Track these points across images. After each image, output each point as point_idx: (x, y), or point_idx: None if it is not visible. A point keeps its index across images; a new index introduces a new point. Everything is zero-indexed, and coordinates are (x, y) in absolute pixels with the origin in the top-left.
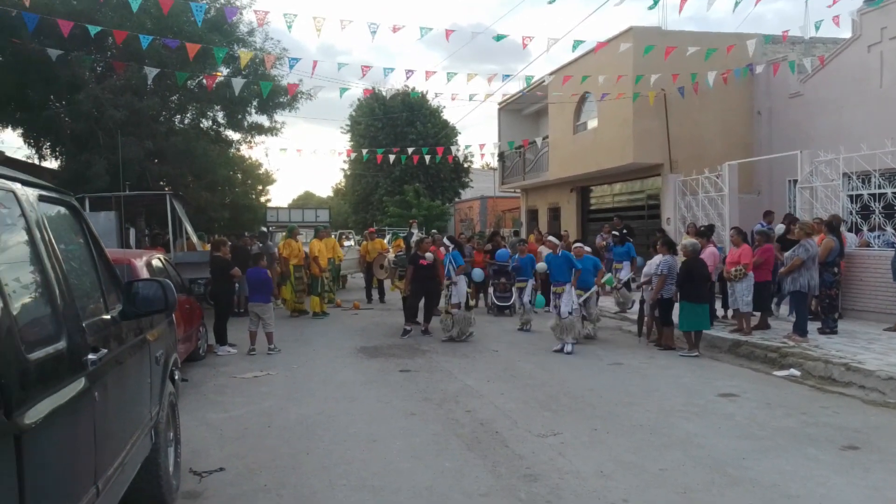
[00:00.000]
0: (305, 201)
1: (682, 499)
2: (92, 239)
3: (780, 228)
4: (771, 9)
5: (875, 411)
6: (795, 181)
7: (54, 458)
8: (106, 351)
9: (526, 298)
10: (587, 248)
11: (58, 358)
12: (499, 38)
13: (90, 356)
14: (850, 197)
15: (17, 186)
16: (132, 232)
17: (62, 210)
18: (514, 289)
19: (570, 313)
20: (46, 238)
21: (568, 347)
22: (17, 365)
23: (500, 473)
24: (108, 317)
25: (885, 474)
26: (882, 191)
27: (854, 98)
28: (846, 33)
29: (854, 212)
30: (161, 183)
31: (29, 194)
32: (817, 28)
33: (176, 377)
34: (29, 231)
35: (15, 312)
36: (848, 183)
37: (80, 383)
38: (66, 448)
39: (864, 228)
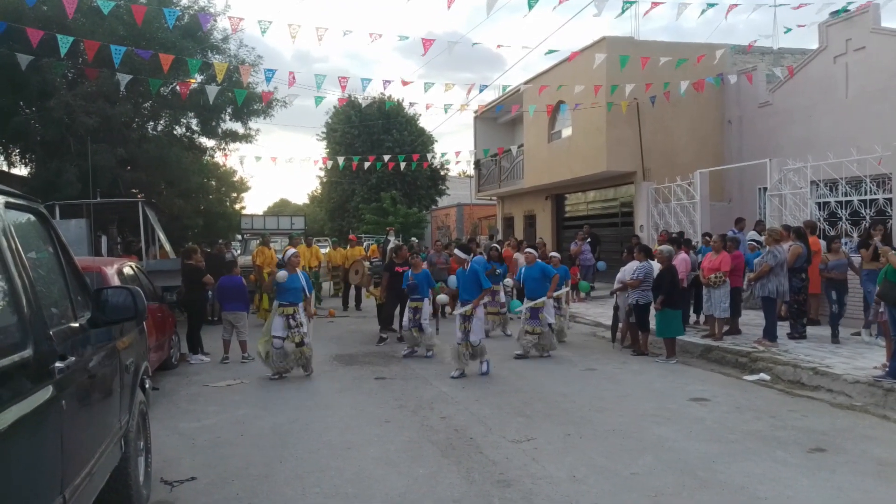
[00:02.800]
0: (281, 209)
1: (652, 502)
2: (60, 247)
3: (751, 235)
4: (741, 20)
5: (842, 414)
6: (765, 189)
7: (20, 467)
8: (74, 359)
9: (425, 321)
10: (534, 254)
11: (24, 366)
12: (474, 45)
13: (57, 364)
14: (818, 204)
15: None
16: (104, 240)
17: (30, 217)
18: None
19: (479, 341)
20: (13, 246)
21: (456, 374)
22: None
23: (474, 479)
24: (77, 324)
25: (850, 475)
26: (849, 198)
27: (821, 107)
28: (813, 44)
29: (822, 219)
30: (133, 191)
31: None
32: (787, 31)
33: (147, 386)
34: None
35: None
36: (816, 190)
37: (46, 391)
38: (32, 457)
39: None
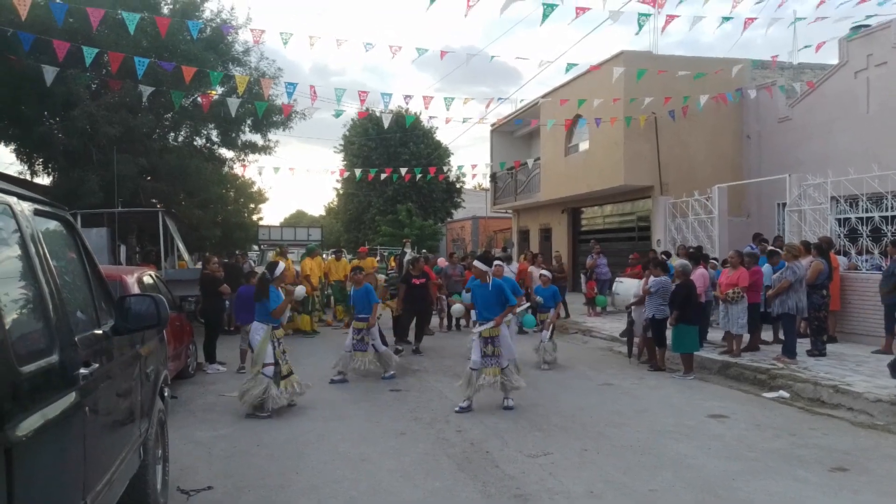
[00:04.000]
0: (297, 220)
1: None
2: (86, 254)
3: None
4: (759, 34)
5: (864, 433)
6: (784, 204)
7: (44, 472)
8: (97, 366)
9: (376, 341)
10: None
11: (50, 371)
12: (492, 58)
13: (82, 370)
14: (838, 220)
15: (13, 200)
16: (123, 249)
17: (57, 225)
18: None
19: (509, 364)
20: (41, 252)
21: (464, 404)
22: (10, 377)
23: (491, 493)
24: (101, 332)
25: (874, 496)
26: (869, 214)
27: (841, 123)
28: (833, 59)
29: (842, 235)
30: (153, 200)
31: (24, 208)
32: (803, 48)
33: (165, 394)
34: (24, 245)
35: (8, 325)
36: (836, 206)
37: (71, 397)
38: (56, 462)
39: (853, 252)
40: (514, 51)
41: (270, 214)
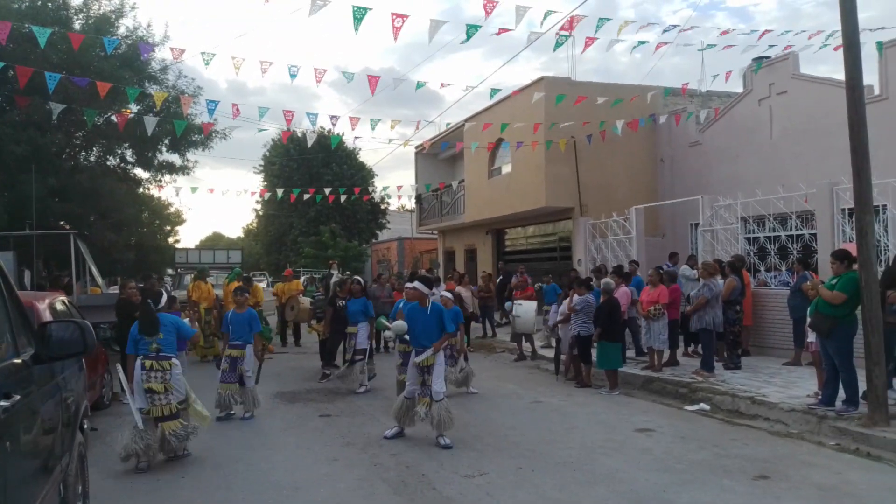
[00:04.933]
0: (214, 242)
1: None
2: (3, 278)
3: (684, 269)
4: (669, 63)
5: (781, 442)
6: (697, 224)
7: None
8: (18, 398)
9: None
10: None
11: None
12: (419, 85)
13: (2, 402)
14: (748, 239)
15: None
16: (27, 274)
17: None
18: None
19: (443, 396)
20: None
21: (390, 433)
22: None
23: None
24: (20, 360)
25: (795, 501)
26: (776, 233)
27: (748, 147)
28: (739, 88)
29: (751, 253)
30: (61, 223)
31: None
32: (716, 77)
33: (85, 426)
34: None
35: None
36: (745, 226)
37: None
38: None
39: (762, 269)
40: (436, 74)
41: (186, 237)
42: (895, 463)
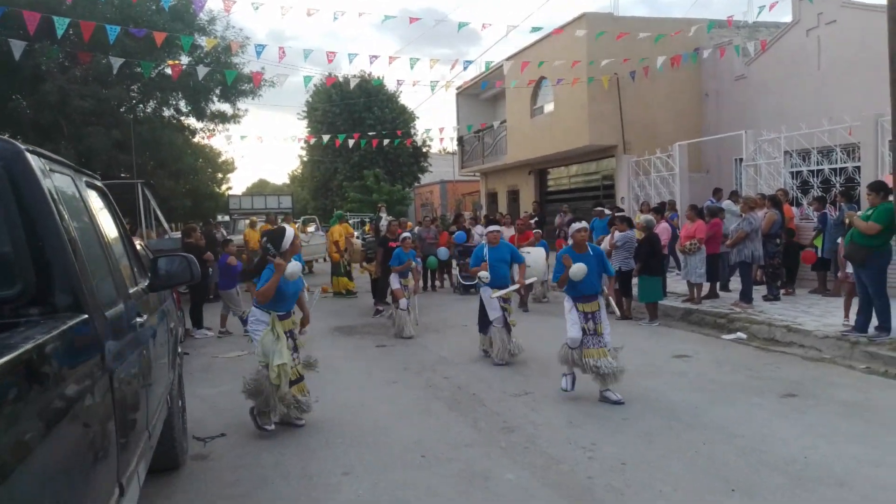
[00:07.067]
0: (260, 189)
1: (643, 440)
2: (120, 220)
3: (728, 204)
4: None
5: (812, 365)
6: (741, 159)
7: (129, 392)
8: (146, 317)
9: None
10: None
11: (119, 318)
12: (462, 25)
13: (137, 319)
14: (791, 173)
15: (73, 174)
16: None
17: (97, 194)
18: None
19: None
20: (98, 219)
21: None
22: (105, 321)
23: (481, 428)
24: (141, 288)
25: (819, 416)
26: (820, 167)
27: (794, 80)
28: (787, 18)
29: (794, 187)
30: (122, 174)
31: (82, 181)
32: (760, 11)
33: (178, 350)
34: (89, 214)
35: (95, 282)
36: (789, 160)
37: (134, 339)
38: (133, 390)
39: (805, 203)
40: (475, 13)
41: (234, 184)
42: None
